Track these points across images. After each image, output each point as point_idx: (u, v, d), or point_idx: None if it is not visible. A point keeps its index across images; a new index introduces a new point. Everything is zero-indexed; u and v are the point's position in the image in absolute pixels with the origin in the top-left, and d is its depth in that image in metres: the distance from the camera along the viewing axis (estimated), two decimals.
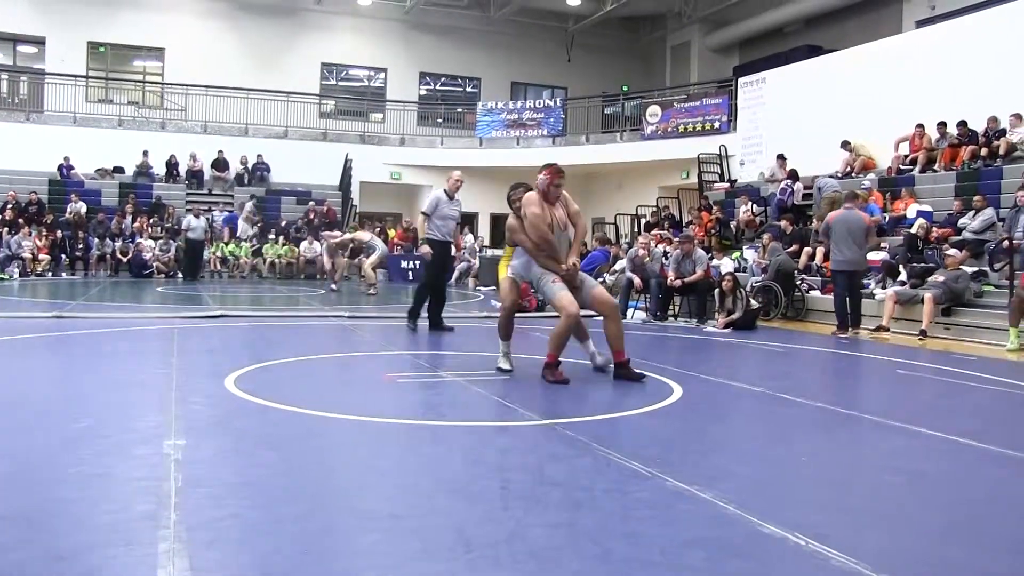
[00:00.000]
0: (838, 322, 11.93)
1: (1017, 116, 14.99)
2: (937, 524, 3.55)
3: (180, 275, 21.10)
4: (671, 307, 13.74)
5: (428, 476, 4.07)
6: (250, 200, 24.04)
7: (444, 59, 30.20)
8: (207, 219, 21.97)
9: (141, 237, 21.78)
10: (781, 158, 18.84)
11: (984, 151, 15.26)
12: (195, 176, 24.96)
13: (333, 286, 18.73)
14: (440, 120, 29.39)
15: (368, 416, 5.28)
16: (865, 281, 13.50)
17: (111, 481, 3.78)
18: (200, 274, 21.41)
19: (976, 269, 12.47)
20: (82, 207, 22.14)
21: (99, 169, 24.13)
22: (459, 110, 29.91)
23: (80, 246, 21.20)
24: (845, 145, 17.73)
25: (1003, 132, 15.11)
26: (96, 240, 21.42)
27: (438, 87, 31.09)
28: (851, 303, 11.91)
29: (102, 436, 4.57)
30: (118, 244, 21.62)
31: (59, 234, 21.14)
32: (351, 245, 19.34)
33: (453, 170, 11.00)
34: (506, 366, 7.04)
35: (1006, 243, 12.01)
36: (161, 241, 21.86)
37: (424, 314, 10.55)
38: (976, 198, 13.83)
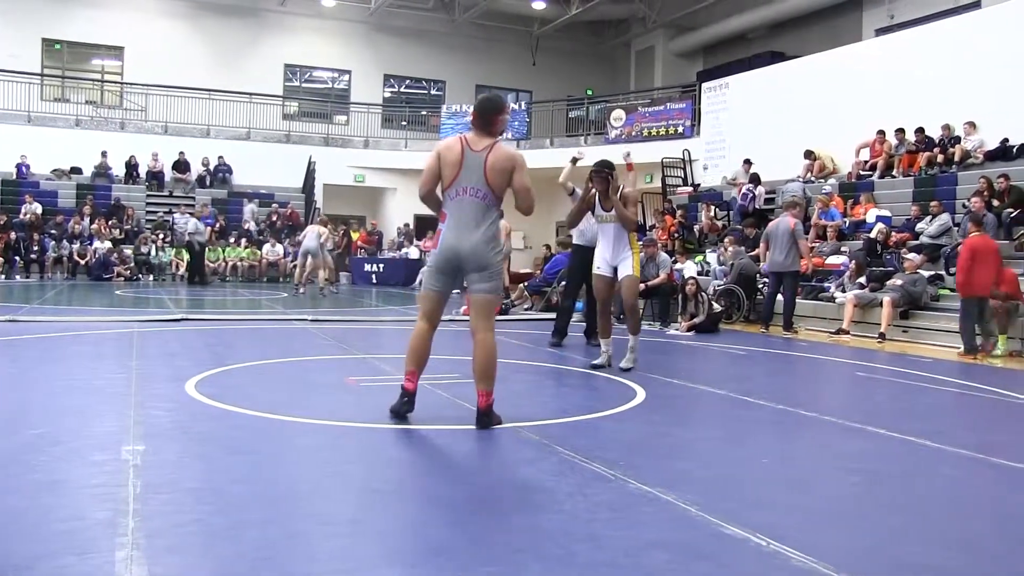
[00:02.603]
0: (762, 317, 12.73)
1: (971, 124, 15.29)
2: (894, 523, 3.59)
3: (187, 278, 21.00)
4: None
5: (391, 480, 4.05)
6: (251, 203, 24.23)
7: (408, 61, 30.11)
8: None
9: (99, 239, 21.49)
10: (747, 162, 18.98)
11: (940, 157, 15.52)
12: (155, 177, 24.66)
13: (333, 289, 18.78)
14: (404, 123, 29.34)
15: (331, 420, 5.25)
16: (825, 285, 13.68)
17: (67, 488, 3.72)
18: (207, 277, 21.21)
19: (932, 273, 12.67)
20: (38, 208, 21.80)
21: (55, 170, 23.75)
22: (423, 113, 29.87)
23: (35, 248, 20.85)
24: (809, 155, 17.96)
25: (957, 139, 15.38)
26: (52, 242, 21.10)
27: (402, 89, 31.00)
28: (784, 306, 12.39)
29: (57, 442, 4.49)
30: (75, 246, 21.30)
31: (13, 236, 20.76)
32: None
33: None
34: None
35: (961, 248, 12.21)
36: (164, 246, 21.76)
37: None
38: (933, 203, 14.06)
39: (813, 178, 17.80)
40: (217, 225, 23.38)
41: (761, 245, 13.03)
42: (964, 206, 13.40)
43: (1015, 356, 10.28)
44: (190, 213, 22.07)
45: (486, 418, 5.02)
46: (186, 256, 21.93)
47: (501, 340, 8.69)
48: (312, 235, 18.00)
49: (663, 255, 13.66)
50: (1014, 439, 5.68)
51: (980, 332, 10.61)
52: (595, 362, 7.90)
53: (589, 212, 8.05)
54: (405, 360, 5.20)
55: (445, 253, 5.07)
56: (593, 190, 7.79)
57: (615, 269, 7.97)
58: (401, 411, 5.16)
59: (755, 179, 17.85)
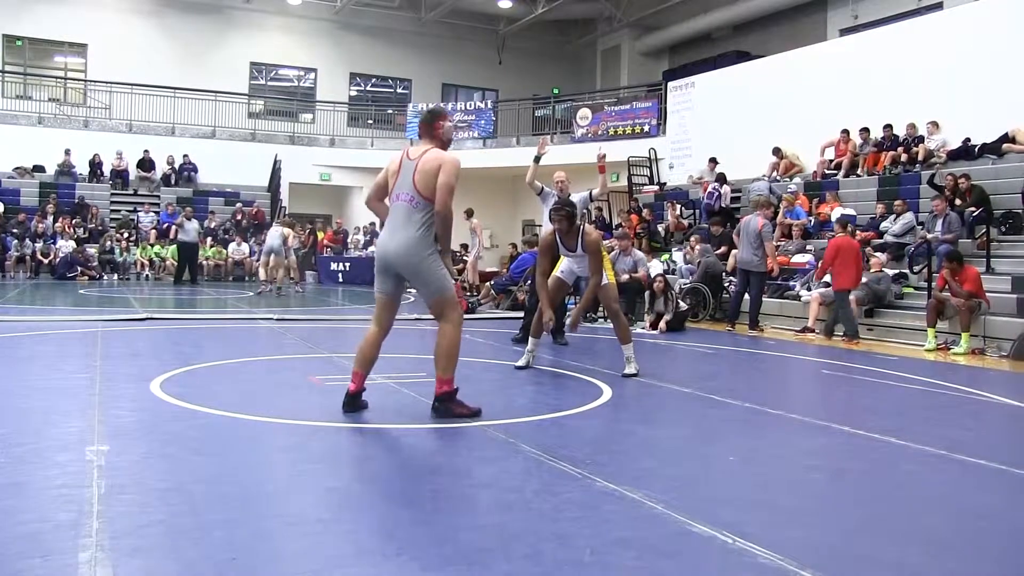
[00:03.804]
0: (729, 315, 12.84)
1: (934, 123, 15.50)
2: (859, 519, 3.63)
3: (176, 278, 20.80)
4: (599, 308, 13.83)
5: (357, 479, 4.04)
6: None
7: (375, 60, 30.01)
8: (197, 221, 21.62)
9: (63, 238, 21.21)
10: (712, 161, 19.08)
11: (904, 157, 15.71)
12: (120, 176, 24.38)
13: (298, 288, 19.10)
14: (371, 121, 29.23)
15: (296, 419, 5.22)
16: (791, 283, 13.80)
17: (28, 490, 3.67)
18: (197, 277, 20.99)
19: (897, 272, 12.82)
20: None
21: (17, 168, 23.41)
22: (390, 111, 29.78)
23: None
24: (777, 152, 18.11)
25: (921, 139, 15.57)
26: (15, 241, 20.78)
27: (368, 88, 30.89)
28: (750, 305, 12.51)
29: (18, 443, 4.43)
30: (39, 245, 20.98)
31: None
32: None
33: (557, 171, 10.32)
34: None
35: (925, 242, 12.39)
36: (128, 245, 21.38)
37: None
38: (897, 202, 14.22)
39: (779, 177, 17.94)
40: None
41: (735, 238, 13.25)
42: (934, 183, 13.79)
43: (977, 354, 10.43)
44: (153, 211, 21.84)
45: (441, 405, 5.19)
46: (150, 254, 21.81)
47: (468, 339, 8.70)
48: (275, 234, 18.06)
49: (639, 252, 13.74)
50: (977, 436, 5.76)
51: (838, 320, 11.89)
52: (517, 364, 7.71)
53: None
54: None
55: (377, 255, 5.37)
56: (555, 230, 7.50)
57: (579, 279, 8.05)
58: (345, 409, 5.37)
59: (721, 178, 17.97)
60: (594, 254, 7.33)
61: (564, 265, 7.90)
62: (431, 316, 5.44)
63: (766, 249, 12.37)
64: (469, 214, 18.64)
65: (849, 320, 11.57)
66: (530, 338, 7.82)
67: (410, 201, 5.14)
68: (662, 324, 12.13)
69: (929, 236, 12.70)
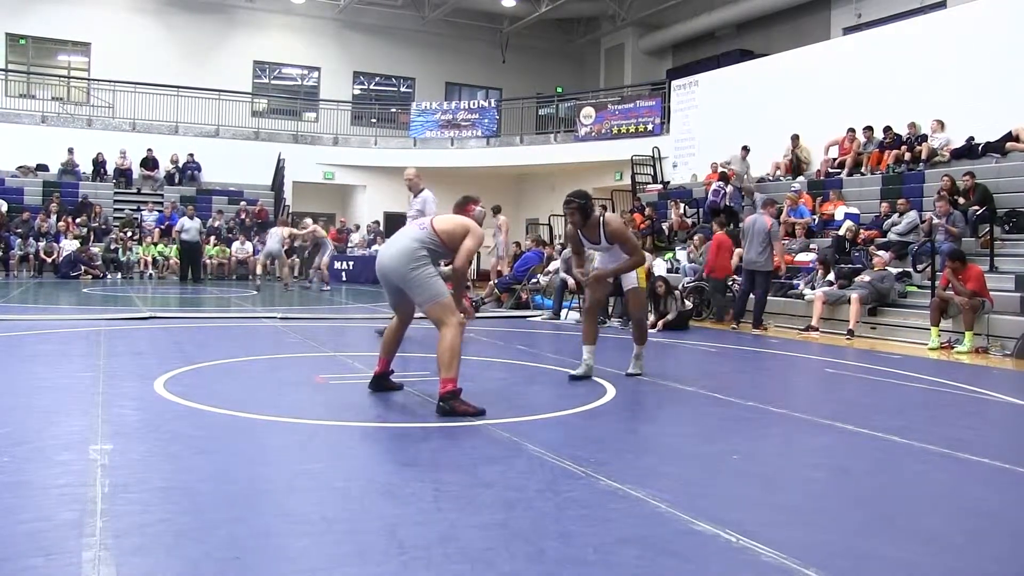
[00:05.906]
0: (734, 314, 12.92)
1: (938, 122, 15.47)
2: (862, 518, 3.63)
3: (180, 277, 21.00)
4: (606, 311, 13.80)
5: (360, 478, 4.04)
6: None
7: (378, 59, 30.02)
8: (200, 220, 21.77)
9: (66, 237, 21.24)
10: (745, 149, 18.75)
11: (908, 155, 15.69)
12: (123, 175, 24.40)
13: (309, 284, 19.33)
14: (374, 120, 29.21)
15: (299, 418, 5.22)
16: (795, 282, 13.78)
17: (31, 489, 3.67)
18: (201, 276, 21.09)
19: (900, 270, 12.80)
20: (3, 205, 21.49)
21: (21, 167, 23.45)
22: (393, 110, 29.76)
23: (1, 246, 20.55)
24: (794, 140, 18.03)
25: (924, 137, 15.55)
26: (18, 240, 20.80)
27: (372, 87, 30.91)
28: (755, 304, 12.53)
29: (22, 442, 4.43)
30: (42, 244, 21.00)
31: None
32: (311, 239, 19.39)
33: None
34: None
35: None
36: (132, 244, 21.51)
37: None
38: (900, 201, 14.21)
39: (782, 176, 17.92)
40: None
41: (741, 241, 13.31)
42: (939, 193, 13.65)
43: (981, 353, 10.42)
44: (157, 210, 21.87)
45: (445, 404, 5.33)
46: (153, 252, 21.88)
47: (471, 338, 8.70)
48: (275, 236, 18.68)
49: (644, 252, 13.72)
50: (980, 435, 5.75)
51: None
52: (575, 373, 7.09)
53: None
54: None
55: (376, 267, 5.74)
56: (571, 226, 7.12)
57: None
58: (369, 388, 6.04)
59: (724, 177, 17.93)
60: (623, 241, 7.05)
61: (597, 263, 7.73)
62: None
63: (775, 248, 12.34)
64: (497, 211, 17.50)
65: (722, 305, 13.35)
66: (584, 347, 7.18)
67: (421, 227, 5.61)
68: (660, 323, 12.10)
69: (935, 221, 12.74)
